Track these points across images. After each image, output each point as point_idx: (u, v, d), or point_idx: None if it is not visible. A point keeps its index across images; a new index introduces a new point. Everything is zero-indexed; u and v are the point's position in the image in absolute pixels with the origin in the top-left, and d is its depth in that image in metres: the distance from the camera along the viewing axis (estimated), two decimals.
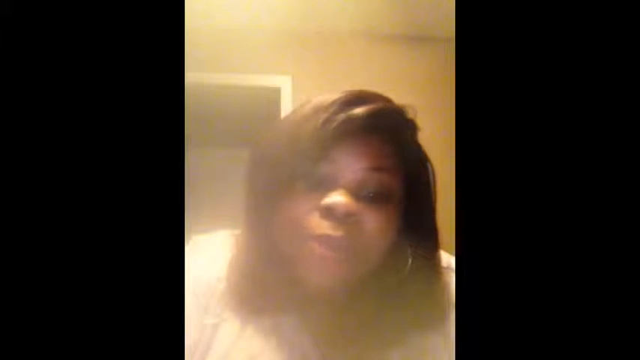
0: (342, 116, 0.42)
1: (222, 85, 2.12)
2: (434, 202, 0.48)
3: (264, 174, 0.45)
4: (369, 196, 0.42)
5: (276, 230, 0.44)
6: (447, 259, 0.50)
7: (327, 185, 0.42)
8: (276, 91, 2.09)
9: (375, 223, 0.42)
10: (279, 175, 0.43)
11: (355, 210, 0.41)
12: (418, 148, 0.47)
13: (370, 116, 0.42)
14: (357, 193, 0.42)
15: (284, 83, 2.09)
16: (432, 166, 0.48)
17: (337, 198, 0.40)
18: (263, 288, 0.45)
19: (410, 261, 0.45)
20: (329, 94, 0.44)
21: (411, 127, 0.47)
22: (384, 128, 0.44)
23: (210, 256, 0.49)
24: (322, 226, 0.41)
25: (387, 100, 0.46)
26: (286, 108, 2.07)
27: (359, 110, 0.42)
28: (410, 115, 0.47)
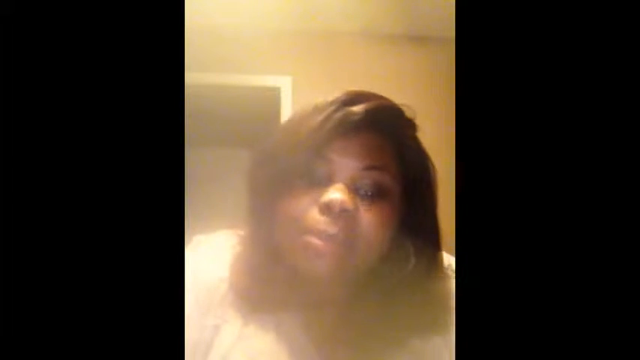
0: (339, 115, 0.42)
1: (222, 85, 2.12)
2: (435, 202, 0.48)
3: (265, 173, 0.45)
4: (367, 194, 0.43)
5: (276, 228, 0.44)
6: (448, 259, 0.50)
7: (325, 182, 0.42)
8: (276, 91, 2.09)
9: (371, 220, 0.42)
10: (280, 173, 0.44)
11: (352, 206, 0.41)
12: (418, 147, 0.48)
13: (367, 114, 0.42)
14: (354, 189, 0.42)
15: (284, 83, 2.09)
16: (433, 166, 0.48)
17: (334, 194, 0.41)
18: (264, 288, 0.45)
19: (412, 260, 0.45)
20: (327, 95, 0.45)
21: (410, 126, 0.47)
22: (381, 126, 0.45)
23: (210, 257, 0.49)
24: (319, 222, 0.41)
25: (386, 100, 0.46)
26: (286, 108, 2.06)
27: (356, 108, 0.43)
28: (409, 114, 0.47)
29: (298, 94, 2.07)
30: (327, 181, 0.42)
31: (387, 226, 0.44)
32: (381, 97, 0.46)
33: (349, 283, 0.45)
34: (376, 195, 0.43)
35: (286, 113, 2.05)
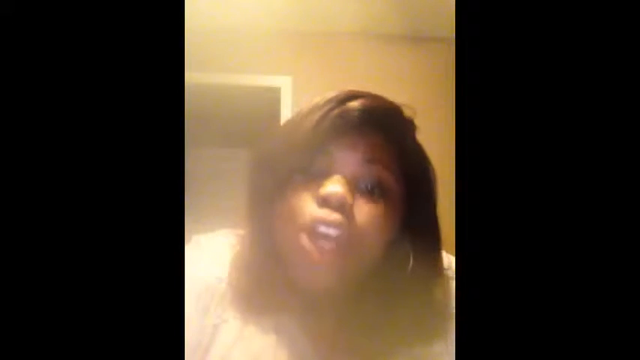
0: (338, 111, 0.43)
1: (222, 85, 2.13)
2: (435, 203, 0.48)
3: (265, 172, 0.45)
4: (366, 189, 0.43)
5: (275, 225, 0.44)
6: (448, 259, 0.50)
7: (323, 177, 0.43)
8: (276, 91, 2.09)
9: (370, 216, 0.42)
10: (280, 171, 0.44)
11: (350, 199, 0.41)
12: (417, 147, 0.48)
13: (365, 111, 0.43)
14: (354, 183, 0.43)
15: (284, 83, 2.09)
16: (432, 166, 0.48)
17: (332, 187, 0.41)
18: (264, 288, 0.45)
19: (411, 261, 0.45)
20: (325, 94, 0.45)
21: (409, 126, 0.47)
22: (380, 125, 0.45)
23: (210, 256, 0.49)
24: (317, 216, 0.41)
25: (384, 99, 0.46)
26: (286, 108, 2.07)
27: (353, 104, 0.43)
28: (407, 113, 0.47)
29: (298, 94, 2.07)
30: (326, 176, 0.43)
31: (387, 224, 0.44)
32: (378, 96, 0.46)
33: (348, 283, 0.45)
34: (377, 191, 0.43)
35: (286, 113, 2.06)
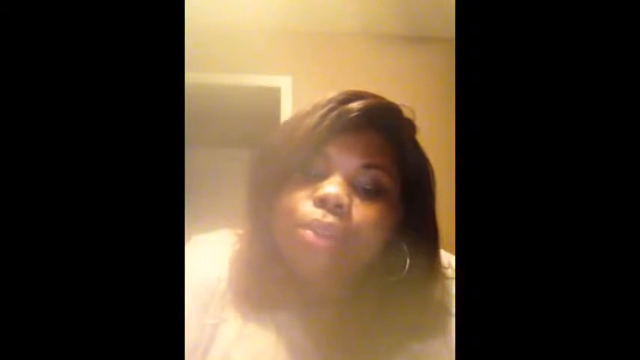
0: (337, 112, 0.43)
1: (222, 85, 2.12)
2: (433, 203, 0.48)
3: (264, 171, 0.46)
4: (363, 189, 0.43)
5: (273, 223, 0.45)
6: (448, 259, 0.50)
7: (321, 177, 0.43)
8: (276, 91, 2.09)
9: (367, 216, 0.42)
10: (278, 171, 0.44)
11: (346, 201, 0.41)
12: (417, 148, 0.48)
13: (364, 111, 0.43)
14: (351, 185, 0.43)
15: (284, 83, 2.09)
16: (431, 167, 0.48)
17: (330, 188, 0.41)
18: (264, 287, 0.45)
19: (408, 260, 0.45)
20: (325, 93, 0.45)
21: (408, 126, 0.47)
22: (379, 125, 0.45)
23: (209, 256, 0.49)
24: (313, 217, 0.41)
25: (384, 99, 0.46)
26: (286, 108, 2.07)
27: (353, 105, 0.43)
28: (407, 114, 0.47)
29: (298, 94, 2.07)
30: (324, 176, 0.43)
31: (384, 224, 0.44)
32: (378, 97, 0.46)
33: (346, 281, 0.45)
34: (374, 192, 0.43)
35: (286, 113, 2.05)
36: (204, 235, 0.52)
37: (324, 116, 0.43)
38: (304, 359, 0.45)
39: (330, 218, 0.41)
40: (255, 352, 0.44)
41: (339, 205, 0.41)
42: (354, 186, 0.43)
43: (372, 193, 0.43)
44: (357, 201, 0.43)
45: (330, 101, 0.44)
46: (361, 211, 0.42)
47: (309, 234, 0.41)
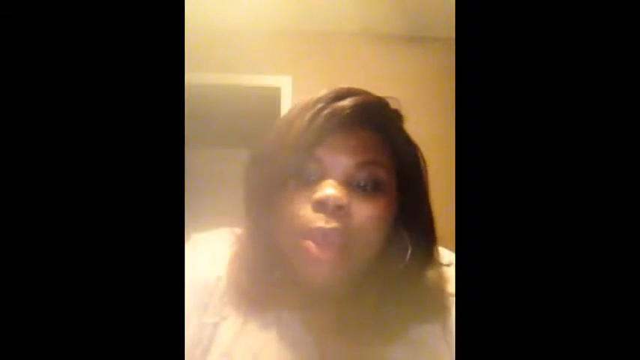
0: (327, 112, 0.43)
1: (222, 85, 2.12)
2: (427, 191, 0.48)
3: (260, 172, 0.46)
4: (361, 186, 0.43)
5: (273, 228, 0.45)
6: (449, 256, 0.50)
7: (317, 180, 0.43)
8: (276, 91, 2.09)
9: (367, 213, 0.42)
10: (273, 173, 0.44)
11: (346, 201, 0.41)
12: (406, 138, 0.48)
13: (354, 109, 0.43)
14: (347, 184, 0.43)
15: (284, 83, 2.09)
16: (420, 153, 0.48)
17: (327, 191, 0.41)
18: (264, 284, 0.46)
19: (409, 250, 0.45)
20: (313, 94, 0.45)
21: (395, 117, 0.48)
22: (369, 120, 0.45)
23: (209, 255, 0.49)
24: (315, 220, 0.41)
25: (370, 94, 0.46)
26: (286, 108, 2.06)
27: (343, 103, 0.43)
28: (393, 105, 0.47)
29: (298, 94, 2.07)
30: (320, 179, 0.43)
31: (385, 219, 0.44)
32: (365, 92, 0.46)
33: (348, 278, 0.45)
34: (372, 188, 0.43)
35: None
36: (203, 234, 0.52)
37: (313, 118, 0.43)
38: (305, 356, 0.45)
39: (332, 223, 0.41)
40: (257, 349, 0.44)
41: (338, 207, 0.41)
42: (350, 185, 0.43)
43: (369, 189, 0.43)
44: (356, 199, 0.42)
45: (318, 101, 0.44)
46: (362, 209, 0.42)
47: (312, 246, 0.41)
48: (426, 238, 0.47)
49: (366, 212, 0.42)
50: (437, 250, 0.48)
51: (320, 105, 0.43)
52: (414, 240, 0.46)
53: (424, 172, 0.48)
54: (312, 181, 0.43)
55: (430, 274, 0.47)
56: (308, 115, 0.43)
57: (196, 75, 1.97)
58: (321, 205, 0.41)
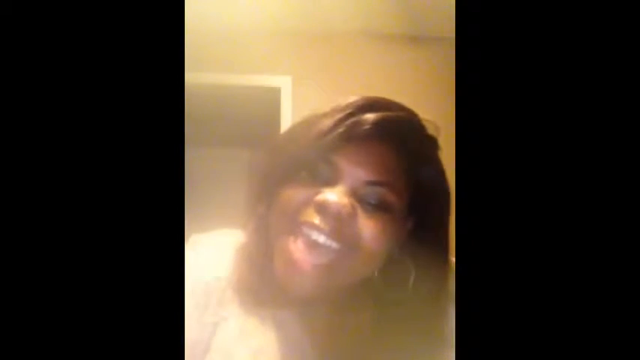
0: (351, 121, 0.41)
1: (222, 85, 2.12)
2: (446, 227, 0.46)
3: (271, 166, 0.45)
4: (367, 203, 0.42)
5: (272, 221, 0.44)
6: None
7: (326, 183, 0.42)
8: (276, 91, 2.09)
9: (367, 231, 0.41)
10: (283, 168, 0.43)
11: (346, 211, 0.40)
12: (436, 167, 0.46)
13: (380, 125, 0.41)
14: (354, 196, 0.42)
15: (284, 83, 2.09)
16: (448, 188, 0.46)
17: (331, 195, 0.40)
18: (264, 285, 0.45)
19: (411, 281, 0.44)
20: (347, 97, 0.44)
21: (430, 143, 0.45)
22: (394, 139, 0.43)
23: (209, 256, 0.49)
24: (309, 220, 0.41)
25: (405, 111, 0.45)
26: (286, 108, 2.07)
27: (369, 117, 0.41)
28: (431, 130, 0.45)
29: (298, 94, 2.07)
30: (330, 183, 0.42)
31: (384, 239, 0.43)
32: (399, 108, 0.44)
33: (340, 291, 0.45)
34: (378, 207, 0.42)
35: (286, 113, 2.05)
36: (203, 234, 0.52)
37: (339, 122, 0.41)
38: (304, 357, 0.45)
39: (325, 225, 0.40)
40: (257, 349, 0.44)
41: (338, 214, 0.40)
42: (358, 198, 0.42)
43: (375, 207, 0.42)
44: (359, 213, 0.41)
45: (348, 107, 0.42)
46: (362, 224, 0.41)
47: (299, 245, 0.40)
48: (434, 274, 0.45)
49: (366, 228, 0.41)
50: (445, 290, 0.46)
51: (348, 111, 0.42)
52: (419, 272, 0.44)
53: (446, 207, 0.46)
54: (321, 182, 0.42)
55: (435, 312, 0.45)
56: (334, 119, 0.42)
57: (196, 75, 1.97)
58: (321, 207, 0.40)
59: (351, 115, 0.42)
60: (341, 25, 2.10)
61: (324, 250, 0.41)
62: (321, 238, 0.40)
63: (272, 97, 2.11)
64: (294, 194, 0.42)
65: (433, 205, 0.46)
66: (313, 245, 0.40)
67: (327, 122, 0.42)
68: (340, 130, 0.41)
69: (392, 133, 0.43)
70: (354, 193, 0.42)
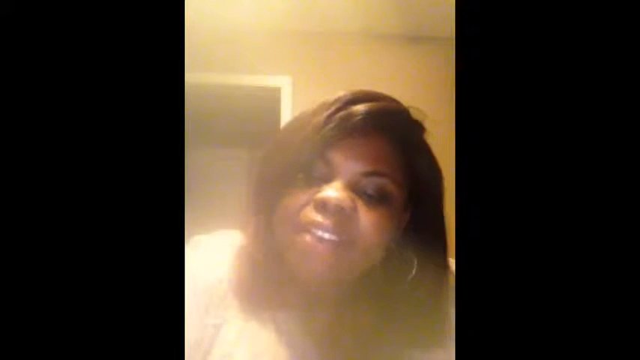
0: (342, 114, 0.42)
1: (222, 85, 2.13)
2: (442, 211, 0.47)
3: (268, 170, 0.45)
4: (366, 195, 0.42)
5: (274, 223, 0.44)
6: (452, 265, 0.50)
7: (323, 180, 0.42)
8: (276, 91, 2.09)
9: (368, 221, 0.42)
10: (281, 170, 0.43)
11: (347, 205, 0.40)
12: (426, 151, 0.47)
13: (371, 115, 0.42)
14: (353, 189, 0.42)
15: (284, 83, 2.09)
16: (440, 171, 0.47)
17: (330, 192, 0.40)
18: (264, 286, 0.45)
19: (413, 271, 0.44)
20: (335, 93, 0.44)
21: (416, 129, 0.46)
22: (385, 128, 0.44)
23: (210, 256, 0.49)
24: (312, 219, 0.41)
25: (393, 101, 0.45)
26: (286, 108, 2.07)
27: (360, 108, 0.42)
28: (416, 116, 0.46)
29: (298, 94, 2.07)
30: (327, 180, 0.42)
31: (386, 230, 0.43)
32: (387, 98, 0.45)
33: (344, 284, 0.45)
34: (377, 198, 0.43)
35: (286, 113, 2.06)
36: (204, 236, 0.52)
37: (329, 118, 0.42)
38: (304, 358, 0.45)
39: (328, 222, 0.40)
40: (257, 351, 0.44)
41: (339, 208, 0.40)
42: (356, 191, 0.42)
43: (375, 198, 0.42)
44: (359, 206, 0.42)
45: (336, 101, 0.43)
46: (363, 216, 0.42)
47: (308, 238, 0.41)
48: (435, 259, 0.46)
49: (367, 220, 0.42)
50: (446, 273, 0.47)
51: (337, 106, 0.42)
52: (421, 258, 0.45)
53: (440, 190, 0.47)
54: (318, 181, 0.42)
55: (437, 297, 0.46)
56: (324, 115, 0.42)
57: (196, 75, 1.97)
58: (322, 205, 0.41)
59: (339, 109, 0.42)
60: (341, 25, 2.10)
61: (330, 244, 0.41)
62: (326, 235, 0.41)
63: (272, 97, 2.11)
64: (294, 197, 0.42)
65: (428, 192, 0.46)
66: (320, 241, 0.41)
67: (318, 120, 0.42)
68: (331, 125, 0.41)
69: (382, 123, 0.43)
70: (352, 187, 0.42)
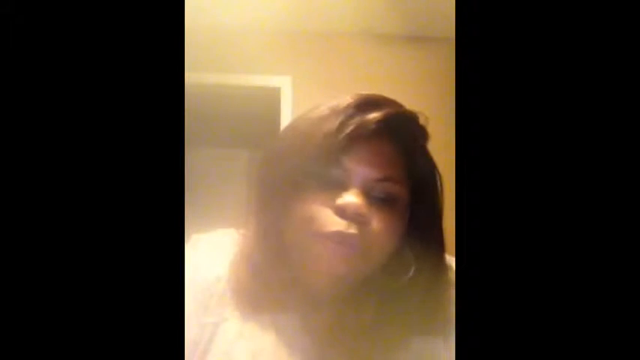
0: (357, 120, 0.43)
1: (222, 85, 2.13)
2: (440, 213, 0.48)
3: (275, 173, 0.45)
4: (377, 199, 0.44)
5: (285, 228, 0.45)
6: (451, 262, 0.50)
7: (339, 186, 0.43)
8: (276, 91, 2.09)
9: (381, 225, 0.43)
10: (291, 173, 0.44)
11: (366, 211, 0.42)
12: (426, 155, 0.48)
13: (384, 122, 0.43)
14: (366, 194, 0.43)
15: (284, 83, 2.09)
16: (439, 175, 0.48)
17: (350, 198, 0.42)
18: (264, 286, 0.46)
19: (412, 270, 0.45)
20: (342, 98, 0.45)
21: (422, 134, 0.47)
22: (395, 134, 0.45)
23: (209, 256, 0.49)
24: (335, 224, 0.42)
25: (399, 106, 0.46)
26: (286, 108, 2.07)
27: (373, 116, 0.43)
28: (422, 121, 0.47)
29: (298, 94, 2.07)
30: (342, 186, 0.43)
31: (395, 232, 0.44)
32: (396, 103, 0.46)
33: (350, 285, 0.45)
34: (386, 201, 0.44)
35: (286, 113, 2.06)
36: (204, 235, 0.52)
37: (344, 124, 0.42)
38: (304, 358, 0.45)
39: (352, 229, 0.41)
40: (256, 350, 0.44)
41: (360, 215, 0.41)
42: (369, 196, 0.43)
43: (385, 202, 0.44)
44: (373, 209, 0.43)
45: (348, 107, 0.44)
46: (377, 220, 0.43)
47: (328, 243, 0.42)
48: (432, 261, 0.47)
49: (380, 222, 0.43)
50: (444, 269, 0.48)
51: (350, 112, 0.43)
52: (419, 257, 0.46)
53: (439, 194, 0.48)
54: (332, 186, 0.43)
55: (435, 293, 0.47)
56: (338, 121, 0.43)
57: (196, 75, 1.97)
58: (342, 211, 0.41)
59: (353, 115, 0.43)
60: (341, 25, 2.10)
61: (350, 248, 0.42)
62: (347, 240, 0.42)
63: (272, 97, 2.11)
64: (309, 202, 0.43)
65: (427, 196, 0.47)
66: (341, 245, 0.42)
67: (331, 125, 0.43)
68: (347, 131, 0.42)
69: (394, 130, 0.44)
70: (366, 192, 0.43)
